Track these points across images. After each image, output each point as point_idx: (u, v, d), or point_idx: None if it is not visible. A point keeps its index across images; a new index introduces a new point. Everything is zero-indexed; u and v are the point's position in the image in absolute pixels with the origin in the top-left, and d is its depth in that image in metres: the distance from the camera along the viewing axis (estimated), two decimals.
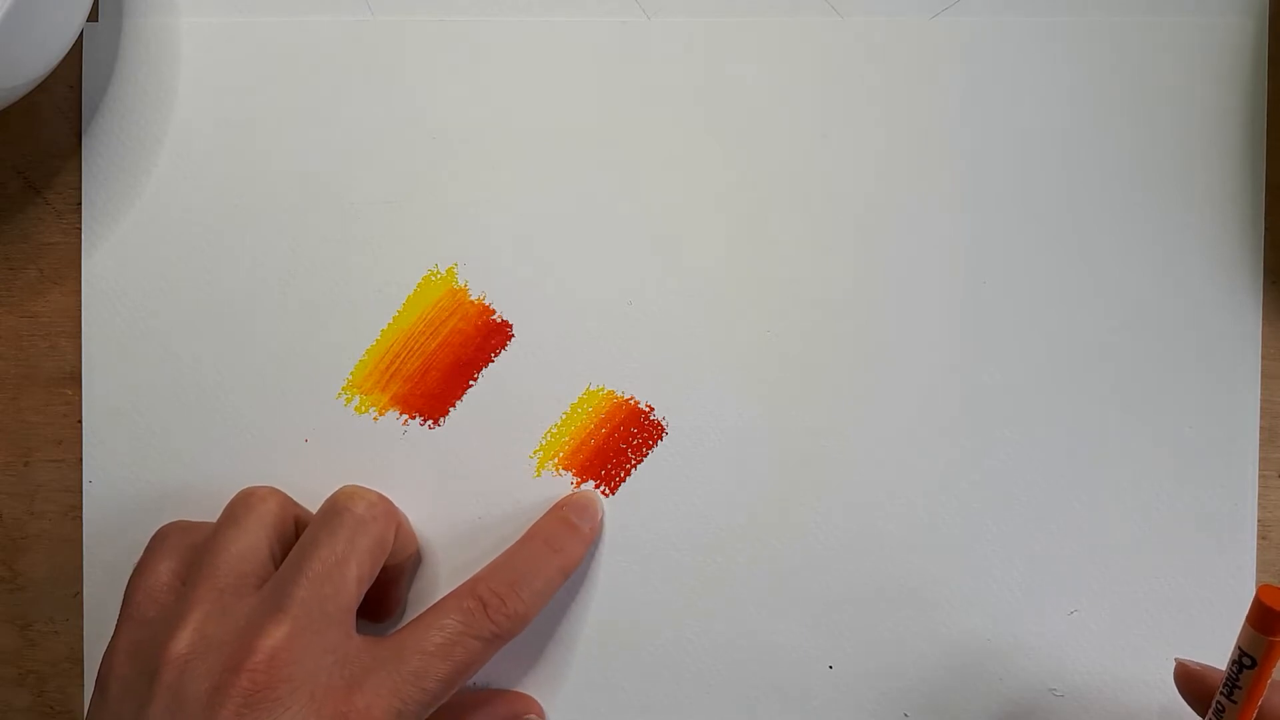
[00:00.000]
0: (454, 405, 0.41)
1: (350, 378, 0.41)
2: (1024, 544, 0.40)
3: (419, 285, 0.41)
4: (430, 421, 0.41)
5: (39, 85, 0.39)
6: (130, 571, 0.36)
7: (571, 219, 0.40)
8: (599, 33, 0.40)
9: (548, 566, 0.37)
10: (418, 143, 0.40)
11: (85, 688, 0.41)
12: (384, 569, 0.38)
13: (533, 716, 0.40)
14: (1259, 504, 0.40)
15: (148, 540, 0.37)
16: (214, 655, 0.32)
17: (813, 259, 0.40)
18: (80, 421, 0.41)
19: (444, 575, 0.41)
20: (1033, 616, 0.40)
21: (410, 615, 0.41)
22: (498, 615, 0.35)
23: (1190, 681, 0.35)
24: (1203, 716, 0.34)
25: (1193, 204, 0.40)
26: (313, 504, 0.40)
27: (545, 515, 0.39)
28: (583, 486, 0.41)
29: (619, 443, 0.41)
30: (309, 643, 0.33)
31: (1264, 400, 0.40)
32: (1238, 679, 0.31)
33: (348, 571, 0.35)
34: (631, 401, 0.40)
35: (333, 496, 0.37)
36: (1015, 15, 0.40)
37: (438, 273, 0.41)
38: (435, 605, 0.36)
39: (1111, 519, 0.40)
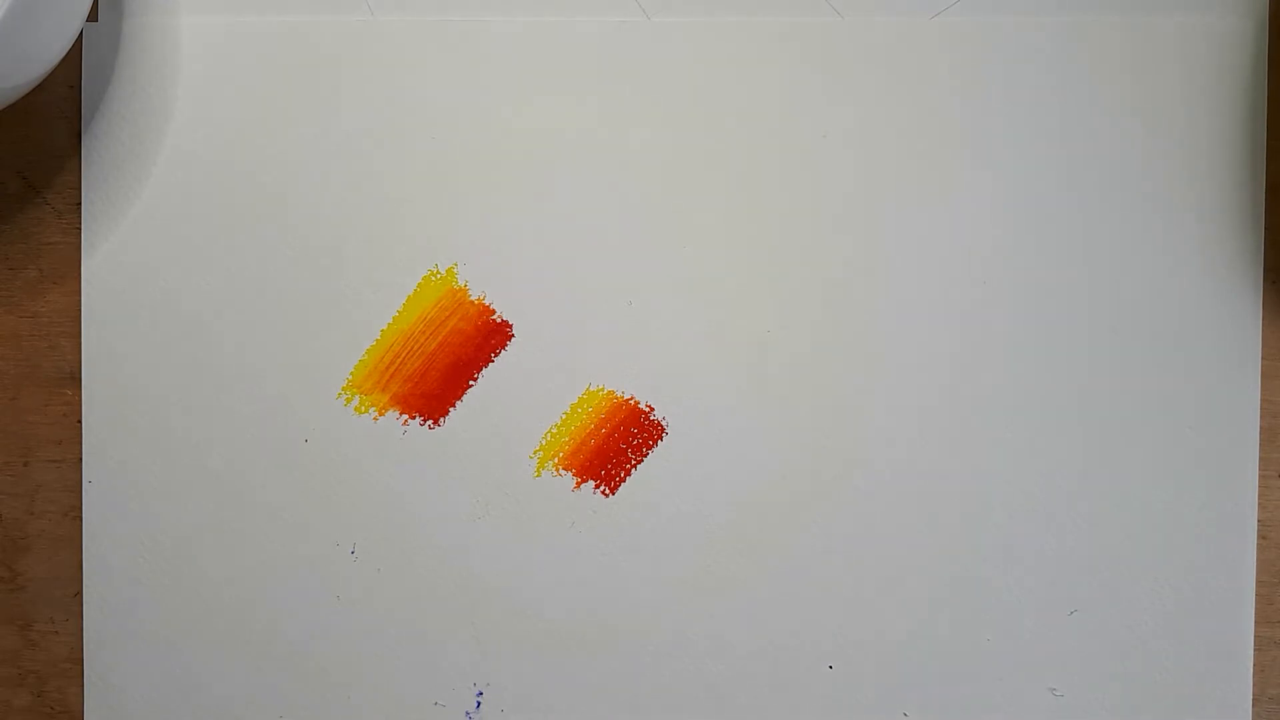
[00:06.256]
0: (454, 405, 0.41)
1: (350, 378, 0.41)
2: (1024, 544, 0.40)
3: (419, 285, 0.41)
4: (430, 421, 0.41)
5: (39, 85, 0.39)
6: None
7: (571, 219, 0.40)
8: (599, 33, 0.40)
9: None
10: (418, 143, 0.40)
11: (85, 688, 0.41)
12: None
13: None
14: (1259, 504, 0.40)
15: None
16: None
17: (812, 259, 0.40)
18: (80, 421, 0.41)
19: (443, 575, 0.41)
20: (1033, 616, 0.40)
21: (409, 616, 0.41)
22: None
23: None
24: None
25: (1193, 204, 0.40)
26: (312, 504, 0.40)
27: None
28: (582, 486, 0.41)
29: (619, 443, 0.41)
30: None
31: (1264, 400, 0.40)
32: None
33: None
34: (631, 401, 0.40)
35: None
36: (1015, 15, 0.40)
37: (438, 273, 0.41)
38: None
39: (1111, 519, 0.40)
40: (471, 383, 0.41)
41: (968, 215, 0.40)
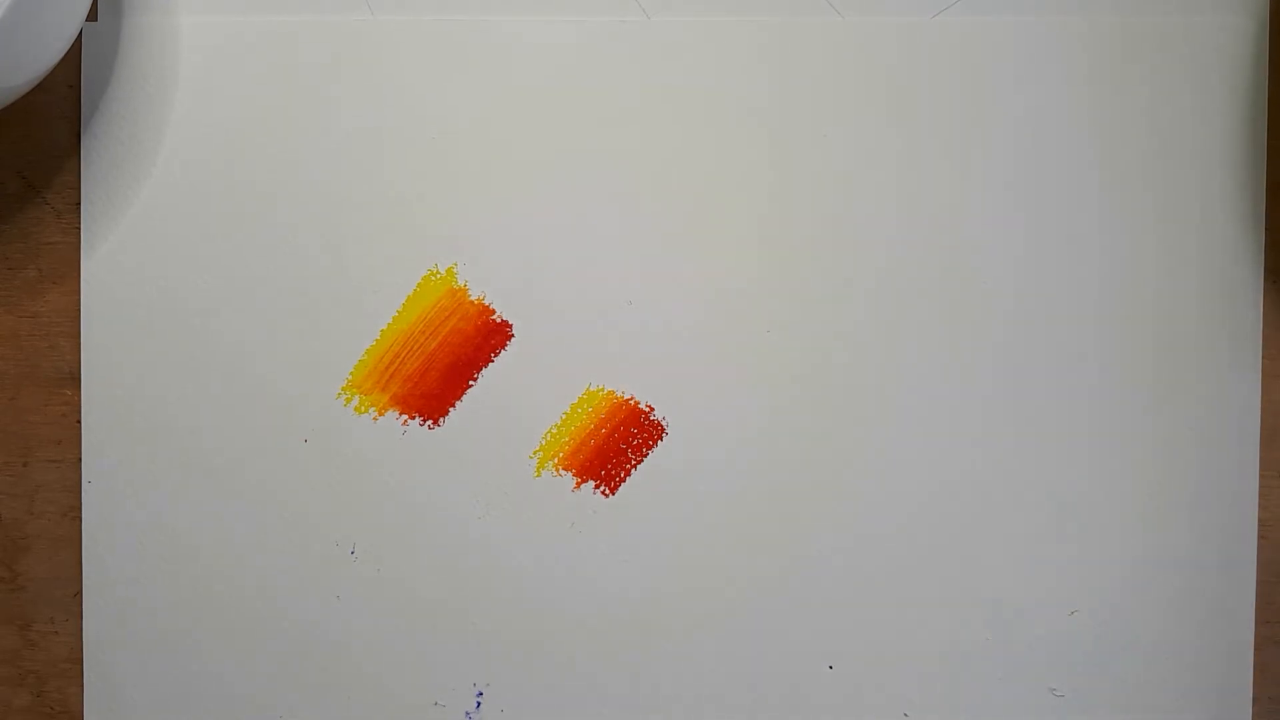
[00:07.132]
0: (454, 405, 0.41)
1: (350, 378, 0.41)
2: (1024, 544, 0.40)
3: (419, 285, 0.41)
4: (430, 421, 0.41)
5: (39, 85, 0.39)
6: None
7: (571, 219, 0.40)
8: (599, 33, 0.40)
9: None
10: (418, 143, 0.40)
11: (85, 688, 0.41)
12: None
13: None
14: (1259, 504, 0.40)
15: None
16: None
17: (812, 259, 0.40)
18: (80, 421, 0.41)
19: (443, 576, 0.41)
20: (1033, 616, 0.40)
21: (409, 616, 0.41)
22: None
23: None
24: None
25: (1193, 204, 0.40)
26: (312, 504, 0.40)
27: None
28: (582, 486, 0.41)
29: (619, 443, 0.41)
30: None
31: (1264, 400, 0.40)
32: None
33: None
34: (631, 401, 0.40)
35: None
36: (1015, 15, 0.40)
37: (438, 273, 0.41)
38: None
39: (1112, 519, 0.40)
40: (471, 383, 0.41)
41: (967, 215, 0.40)
